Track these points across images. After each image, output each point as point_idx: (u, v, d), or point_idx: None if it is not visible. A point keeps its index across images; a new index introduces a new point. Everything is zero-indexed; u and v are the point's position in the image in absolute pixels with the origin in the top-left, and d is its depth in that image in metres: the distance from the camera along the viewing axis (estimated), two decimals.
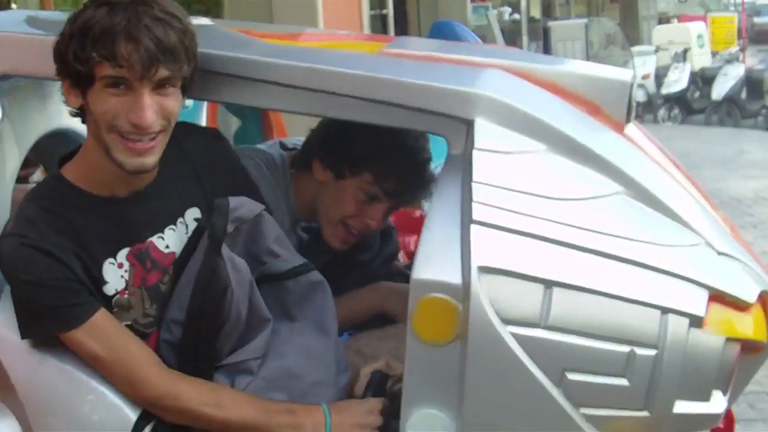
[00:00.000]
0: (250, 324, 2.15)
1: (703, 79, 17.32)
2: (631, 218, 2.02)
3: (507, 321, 1.91)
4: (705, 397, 2.02)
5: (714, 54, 20.32)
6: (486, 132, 2.02)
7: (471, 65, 2.19)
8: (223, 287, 2.07)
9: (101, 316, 2.08)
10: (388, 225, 2.82)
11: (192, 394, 2.10)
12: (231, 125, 4.13)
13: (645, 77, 17.34)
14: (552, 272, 1.92)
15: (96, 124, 2.03)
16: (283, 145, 2.71)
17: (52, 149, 2.50)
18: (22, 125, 2.39)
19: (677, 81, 16.86)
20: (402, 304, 2.26)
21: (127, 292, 2.14)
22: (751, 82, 16.28)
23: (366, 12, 7.39)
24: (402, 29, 10.49)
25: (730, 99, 16.16)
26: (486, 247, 1.92)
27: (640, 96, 16.89)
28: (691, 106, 17.05)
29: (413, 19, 11.53)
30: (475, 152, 2.00)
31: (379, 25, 9.33)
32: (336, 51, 2.35)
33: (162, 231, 2.18)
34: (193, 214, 2.22)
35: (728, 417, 2.45)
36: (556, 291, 1.92)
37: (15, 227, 2.08)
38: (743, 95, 16.26)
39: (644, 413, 1.98)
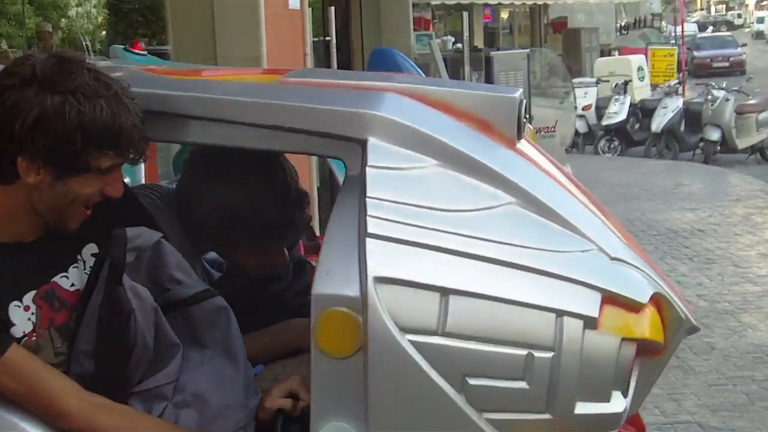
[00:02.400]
0: (159, 351, 2.18)
1: (642, 111, 17.52)
2: (523, 227, 2.09)
3: (405, 330, 1.97)
4: (605, 398, 2.07)
5: (654, 86, 20.69)
6: (378, 150, 2.09)
7: (365, 89, 2.25)
8: (126, 314, 2.11)
9: (14, 351, 2.09)
10: (300, 258, 2.87)
11: (110, 427, 2.12)
12: (172, 147, 4.14)
13: (586, 108, 17.58)
14: (447, 280, 1.98)
15: (61, 200, 2.10)
16: None
17: None
18: None
19: (617, 113, 17.06)
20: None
21: (35, 334, 2.16)
22: (689, 114, 16.51)
23: (309, 38, 7.48)
24: (345, 56, 10.61)
25: (669, 131, 16.36)
26: (381, 259, 1.98)
27: (581, 127, 17.08)
28: (631, 137, 17.23)
29: (357, 47, 11.63)
30: (368, 169, 2.06)
31: (322, 52, 9.44)
32: (233, 81, 2.41)
33: (66, 270, 2.22)
34: (90, 249, 2.26)
35: (639, 426, 2.51)
36: (452, 298, 1.98)
37: None
38: (682, 128, 16.48)
39: (546, 416, 2.04)
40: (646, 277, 2.17)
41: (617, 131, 17.19)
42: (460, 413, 2.00)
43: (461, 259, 2.01)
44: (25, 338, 2.14)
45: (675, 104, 16.60)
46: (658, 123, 16.37)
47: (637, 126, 17.63)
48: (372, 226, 1.99)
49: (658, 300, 2.17)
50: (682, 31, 24.39)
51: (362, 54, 11.38)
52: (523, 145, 2.30)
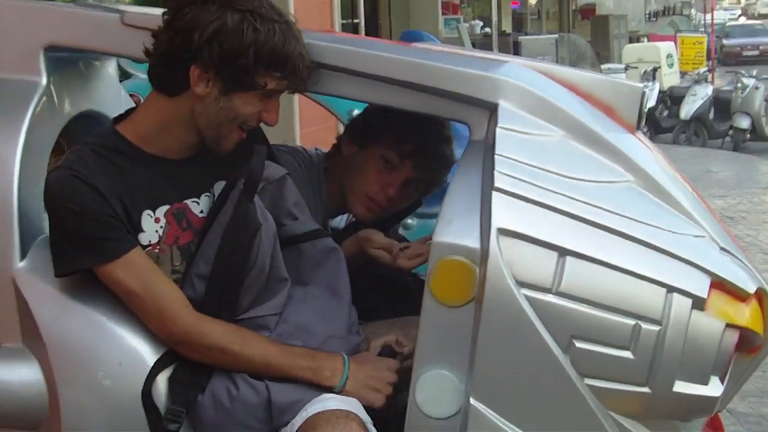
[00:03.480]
0: (269, 283, 2.24)
1: (671, 98, 17.34)
2: (641, 204, 2.14)
3: (521, 284, 2.01)
4: (704, 381, 2.09)
5: (683, 74, 20.38)
6: (509, 114, 2.16)
7: (498, 60, 2.33)
8: (254, 229, 2.18)
9: (137, 253, 2.18)
10: (401, 236, 2.95)
11: (219, 332, 2.19)
12: None
13: None
14: (566, 241, 2.03)
15: (223, 116, 2.19)
16: (318, 150, 2.86)
17: (80, 132, 2.60)
18: (62, 100, 2.49)
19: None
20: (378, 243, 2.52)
21: (158, 247, 2.25)
22: (718, 102, 16.33)
23: (338, 21, 7.57)
24: None
25: (698, 119, 16.19)
26: (506, 212, 2.03)
27: None
28: (660, 124, 17.07)
29: (385, 30, 11.73)
30: (498, 130, 2.13)
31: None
32: (367, 38, 2.49)
33: (198, 196, 2.31)
34: (221, 186, 2.32)
35: (717, 424, 2.53)
36: (569, 260, 2.02)
37: (66, 162, 2.20)
38: (711, 115, 16.32)
39: (645, 389, 2.06)
40: (749, 272, 2.22)
41: (646, 118, 17.03)
42: (562, 374, 2.03)
43: (581, 224, 2.05)
44: (149, 248, 2.22)
45: (704, 92, 16.42)
46: (687, 110, 16.22)
47: (665, 113, 17.43)
48: (499, 181, 2.05)
49: (760, 295, 2.20)
50: (712, 19, 24.22)
51: (390, 37, 11.44)
52: (640, 135, 2.36)
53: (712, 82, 18.15)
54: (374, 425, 2.21)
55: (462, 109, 2.24)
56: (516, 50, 12.22)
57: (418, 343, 2.11)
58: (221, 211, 2.22)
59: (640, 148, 2.26)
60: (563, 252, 2.02)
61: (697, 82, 16.99)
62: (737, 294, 2.12)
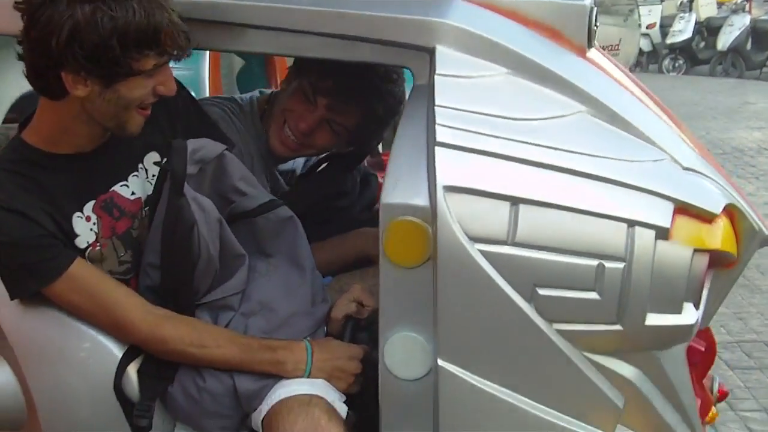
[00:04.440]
0: (225, 262, 2.20)
1: (708, 30, 17.16)
2: (594, 136, 2.05)
3: (475, 239, 1.94)
4: (676, 310, 2.04)
5: (720, 4, 19.93)
6: (447, 58, 2.06)
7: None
8: (188, 226, 2.11)
9: (78, 266, 2.13)
10: (366, 171, 2.87)
11: (177, 336, 2.16)
12: (234, 66, 4.13)
13: (650, 27, 17.19)
14: (517, 189, 1.95)
15: (115, 107, 2.08)
16: (261, 92, 2.76)
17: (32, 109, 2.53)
18: (2, 83, 2.43)
19: (682, 31, 16.67)
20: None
21: (98, 244, 2.19)
22: (756, 33, 16.15)
23: None
24: None
25: (735, 50, 16.03)
26: (451, 168, 1.95)
27: (645, 45, 16.70)
28: (696, 56, 16.90)
29: None
30: (436, 78, 2.03)
31: None
32: None
33: (125, 179, 2.23)
34: (152, 158, 2.27)
35: (709, 341, 2.48)
36: (522, 207, 1.95)
37: None
38: (748, 46, 16.13)
39: (617, 327, 2.01)
40: (719, 187, 2.13)
41: (682, 49, 16.81)
42: (529, 323, 1.98)
43: (532, 168, 1.97)
44: (90, 248, 2.17)
45: (741, 22, 16.20)
46: (724, 41, 16.02)
47: (702, 44, 17.26)
48: (441, 135, 1.96)
49: (731, 211, 2.13)
50: None
51: None
52: (594, 54, 2.25)
53: (750, 12, 17.68)
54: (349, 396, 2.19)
55: (401, 55, 2.14)
56: None
57: (381, 307, 2.06)
58: (159, 204, 2.16)
59: (590, 72, 2.16)
60: (515, 200, 1.95)
61: (734, 12, 16.64)
62: (703, 216, 2.05)
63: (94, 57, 1.99)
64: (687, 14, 16.85)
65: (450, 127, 1.97)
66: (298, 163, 2.90)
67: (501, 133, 1.99)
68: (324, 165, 2.86)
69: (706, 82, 15.17)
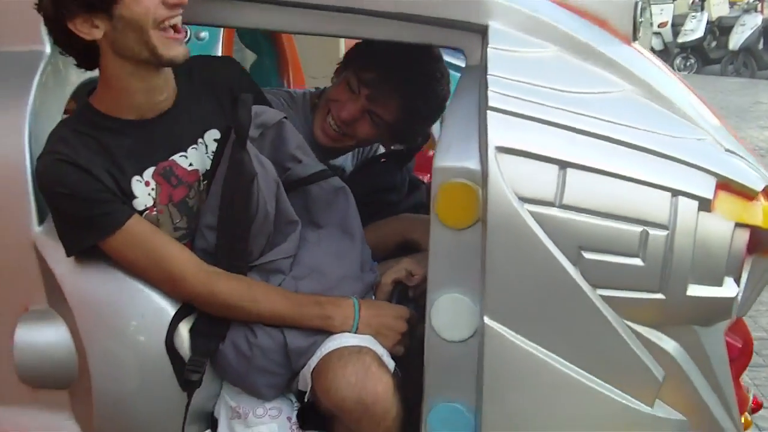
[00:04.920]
0: (279, 226, 2.27)
1: (720, 29, 17.04)
2: (640, 112, 2.14)
3: (524, 199, 2.01)
4: (717, 282, 2.09)
5: (732, 4, 19.90)
6: (500, 34, 2.16)
7: None
8: (249, 178, 2.19)
9: (135, 221, 2.21)
10: (415, 177, 2.96)
11: (228, 290, 2.22)
12: (246, 60, 4.18)
13: (662, 25, 17.13)
14: (565, 154, 2.03)
15: (131, 33, 2.14)
16: (317, 89, 2.87)
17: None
18: (68, 67, 2.53)
19: (694, 30, 16.62)
20: (424, 232, 2.38)
21: (155, 209, 2.27)
22: None
23: None
24: None
25: (747, 49, 15.93)
26: (502, 130, 2.03)
27: (656, 44, 16.59)
28: (708, 55, 16.80)
29: None
30: (489, 50, 2.13)
31: None
32: None
33: (185, 150, 2.32)
34: (212, 135, 2.35)
35: (746, 338, 2.52)
36: (570, 171, 2.02)
37: (49, 146, 2.22)
38: (760, 46, 16.00)
39: (659, 295, 2.06)
40: (757, 170, 2.20)
41: (693, 49, 16.77)
42: (574, 286, 2.04)
43: (579, 136, 2.05)
44: (146, 212, 2.25)
45: (753, 22, 16.14)
46: (735, 41, 15.97)
47: (713, 43, 17.17)
48: (493, 100, 2.05)
49: None
50: None
51: None
52: (637, 46, 2.35)
53: (762, 12, 17.71)
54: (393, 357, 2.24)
55: (454, 35, 2.24)
56: None
57: (429, 269, 2.13)
58: (220, 165, 2.24)
59: (636, 57, 2.25)
60: (563, 164, 2.02)
61: (746, 11, 16.67)
62: (745, 193, 2.11)
63: None
64: (699, 13, 16.82)
65: (502, 93, 2.06)
66: (347, 162, 2.98)
67: (551, 102, 2.07)
68: (376, 161, 2.94)
69: (717, 82, 14.99)
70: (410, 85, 2.66)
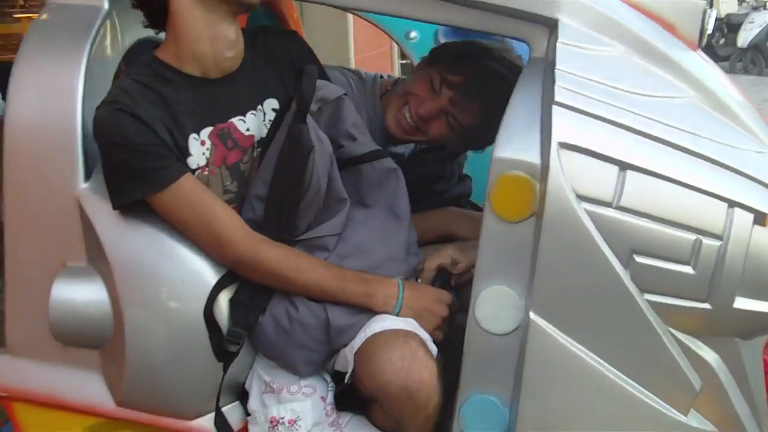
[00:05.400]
0: (328, 203, 2.25)
1: (728, 26, 16.93)
2: (702, 119, 2.12)
3: (582, 198, 2.00)
4: (765, 297, 2.08)
5: (740, 1, 19.89)
6: (569, 29, 2.15)
7: None
8: (307, 150, 2.18)
9: (187, 179, 2.20)
10: (465, 173, 2.95)
11: (274, 257, 2.21)
12: None
13: None
14: (626, 155, 2.01)
15: None
16: (382, 76, 2.85)
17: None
18: (123, 26, 2.51)
19: (759, 25, 16.60)
20: (469, 228, 2.37)
21: (207, 169, 2.26)
22: None
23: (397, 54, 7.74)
24: None
25: (756, 47, 15.82)
26: (566, 126, 2.02)
27: None
28: (716, 52, 16.70)
29: None
30: (558, 44, 2.12)
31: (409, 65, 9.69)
32: None
33: (243, 114, 2.31)
34: (271, 104, 2.35)
35: None
36: (630, 173, 2.01)
37: (110, 96, 2.21)
38: None
39: (706, 305, 2.05)
40: None
41: (754, 48, 16.75)
42: (623, 289, 2.03)
43: (641, 138, 2.04)
44: (198, 171, 2.25)
45: (762, 19, 16.07)
46: (744, 38, 15.91)
47: (722, 41, 17.07)
48: (560, 95, 2.03)
49: None
50: None
51: None
52: (701, 54, 2.34)
53: None
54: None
55: (521, 26, 2.23)
56: None
57: (478, 259, 2.12)
58: (277, 133, 2.22)
59: (701, 64, 2.24)
60: (624, 166, 2.01)
61: (755, 8, 16.59)
62: None
63: None
64: (708, 10, 16.75)
65: (569, 89, 2.05)
66: (408, 149, 2.97)
67: (616, 102, 2.06)
68: (430, 149, 2.93)
69: None
70: (494, 95, 2.65)
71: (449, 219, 2.64)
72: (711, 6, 16.39)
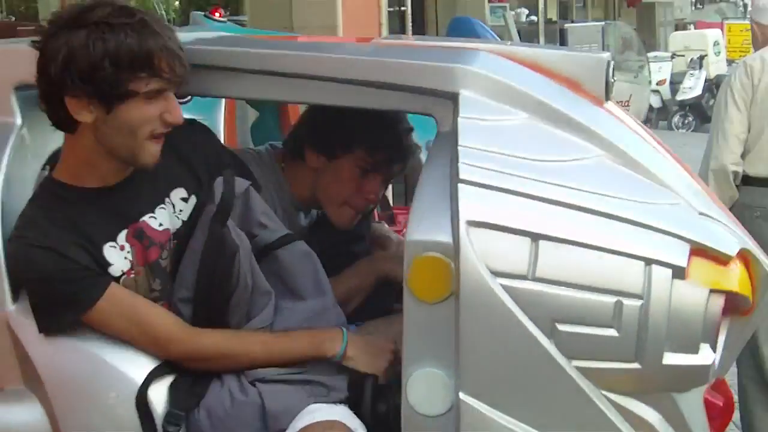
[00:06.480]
0: (254, 298, 2.25)
1: (718, 87, 17.06)
2: (612, 178, 2.12)
3: (496, 273, 2.00)
4: (693, 350, 2.07)
5: (730, 62, 19.82)
6: (470, 102, 2.14)
7: (456, 48, 2.31)
8: (231, 253, 2.19)
9: (114, 290, 2.20)
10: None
11: (217, 339, 2.24)
12: (248, 117, 4.21)
13: (660, 83, 17.10)
14: (537, 225, 2.01)
15: (121, 133, 2.17)
16: (272, 145, 2.85)
17: None
18: (40, 135, 2.51)
19: (692, 88, 16.60)
20: (399, 264, 2.39)
21: (132, 272, 2.26)
22: None
23: (384, 9, 7.65)
24: (420, 27, 10.78)
25: None
26: (473, 204, 2.01)
27: (655, 102, 16.54)
28: (706, 113, 16.76)
29: (431, 17, 11.81)
30: (460, 119, 2.11)
31: (397, 22, 9.57)
32: (327, 42, 2.49)
33: (153, 211, 2.31)
34: (179, 194, 2.35)
35: (727, 395, 2.50)
36: (542, 243, 2.01)
37: (17, 230, 2.22)
38: None
39: (635, 365, 2.04)
40: (732, 233, 2.19)
41: (692, 107, 16.76)
42: (549, 359, 2.02)
43: (551, 206, 2.03)
44: (124, 276, 2.24)
45: None
46: None
47: (712, 101, 17.17)
48: (464, 173, 2.03)
49: (745, 256, 2.17)
50: None
51: (436, 25, 11.54)
52: (611, 106, 2.33)
53: None
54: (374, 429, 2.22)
55: (425, 102, 2.22)
56: (562, 38, 12.27)
57: (404, 343, 2.11)
58: (193, 237, 2.23)
59: (608, 120, 2.24)
60: (535, 236, 2.01)
61: None
62: (719, 258, 2.09)
63: (87, 77, 2.10)
64: (697, 71, 16.81)
65: (473, 165, 2.05)
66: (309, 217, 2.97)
67: (522, 173, 2.06)
68: None
69: None
70: (401, 137, 2.76)
71: (378, 263, 2.70)
72: (700, 67, 16.48)
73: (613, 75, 2.29)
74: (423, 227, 2.07)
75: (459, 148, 2.06)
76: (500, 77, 2.17)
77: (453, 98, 2.17)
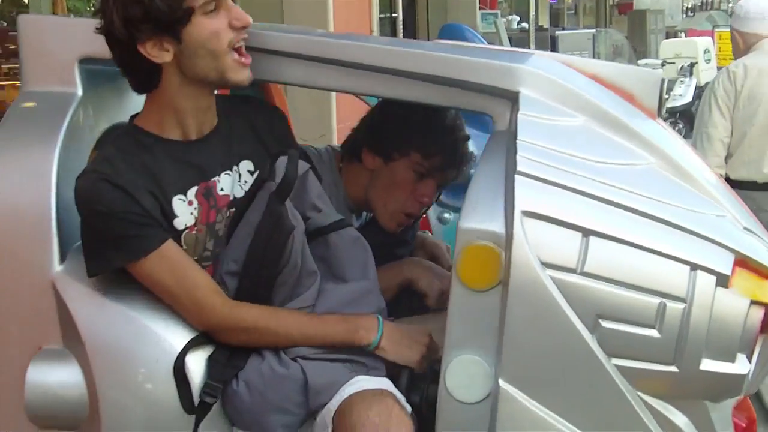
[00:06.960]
0: (300, 276, 2.29)
1: None
2: (663, 185, 2.17)
3: (546, 265, 2.04)
4: (730, 358, 2.11)
5: (720, 69, 19.97)
6: (530, 101, 2.20)
7: (516, 52, 2.38)
8: (287, 232, 2.23)
9: (168, 246, 2.24)
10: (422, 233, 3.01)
11: (254, 314, 2.26)
12: None
13: None
14: (589, 221, 2.06)
15: (200, 57, 2.22)
16: (331, 146, 2.90)
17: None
18: (97, 111, 2.57)
19: (683, 95, 16.58)
20: (427, 276, 2.59)
21: (196, 228, 2.31)
22: None
23: (376, 15, 7.69)
24: (411, 33, 10.83)
25: None
26: (529, 195, 2.06)
27: None
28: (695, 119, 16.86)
29: (422, 24, 11.87)
30: (520, 116, 2.17)
31: (388, 29, 9.60)
32: (390, 38, 2.55)
33: (219, 174, 2.36)
34: (246, 166, 2.40)
35: (750, 416, 2.53)
36: (593, 239, 2.05)
37: (92, 164, 2.27)
38: None
39: (673, 368, 2.08)
40: None
41: (682, 114, 16.70)
42: (590, 354, 2.05)
43: (603, 205, 2.08)
44: (187, 230, 2.29)
45: None
46: None
47: None
48: (522, 165, 2.08)
49: None
50: None
51: (428, 31, 11.60)
52: (660, 122, 2.39)
53: None
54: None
55: (484, 101, 2.28)
56: (553, 45, 12.40)
57: (447, 329, 2.15)
58: (250, 209, 2.27)
59: (661, 132, 2.30)
60: (587, 232, 2.05)
61: None
62: (761, 271, 2.14)
63: (146, 17, 2.16)
64: (687, 79, 16.80)
65: (530, 159, 2.10)
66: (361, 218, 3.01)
67: (577, 171, 2.11)
68: None
69: None
70: (458, 142, 2.81)
71: (408, 268, 2.73)
72: (690, 75, 16.71)
73: (665, 91, 2.35)
74: (475, 217, 2.12)
75: (518, 141, 2.12)
76: (561, 80, 2.23)
77: (513, 96, 2.23)
